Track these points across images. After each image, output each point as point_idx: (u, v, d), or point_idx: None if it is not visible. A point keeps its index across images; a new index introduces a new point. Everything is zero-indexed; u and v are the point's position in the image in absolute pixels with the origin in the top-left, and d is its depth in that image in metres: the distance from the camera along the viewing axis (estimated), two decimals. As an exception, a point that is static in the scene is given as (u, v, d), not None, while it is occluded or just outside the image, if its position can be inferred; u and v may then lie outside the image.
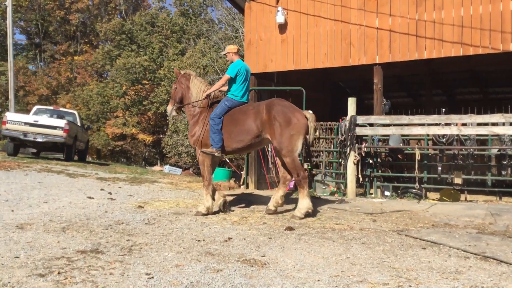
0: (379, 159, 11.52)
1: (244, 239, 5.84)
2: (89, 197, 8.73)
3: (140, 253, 4.94)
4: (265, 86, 13.99)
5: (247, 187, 12.97)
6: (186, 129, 27.57)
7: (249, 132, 7.67)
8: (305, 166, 12.51)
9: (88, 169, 14.60)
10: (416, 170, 10.52)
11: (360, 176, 10.99)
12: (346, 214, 7.97)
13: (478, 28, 10.63)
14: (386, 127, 11.04)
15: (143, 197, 9.48)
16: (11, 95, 24.07)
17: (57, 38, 45.75)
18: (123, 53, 39.59)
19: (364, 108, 14.64)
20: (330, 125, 12.43)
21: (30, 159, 15.89)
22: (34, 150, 19.14)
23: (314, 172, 12.57)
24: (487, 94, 19.50)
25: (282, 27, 12.93)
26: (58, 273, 4.14)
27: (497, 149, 10.50)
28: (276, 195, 7.99)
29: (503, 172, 10.51)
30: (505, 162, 10.40)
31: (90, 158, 29.66)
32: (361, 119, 11.04)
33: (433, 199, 10.75)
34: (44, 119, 16.26)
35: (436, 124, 10.51)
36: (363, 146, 11.13)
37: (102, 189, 10.06)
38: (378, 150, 11.48)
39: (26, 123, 15.76)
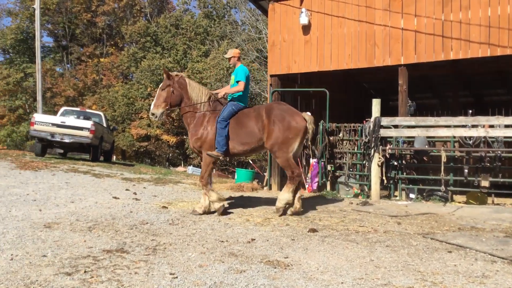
0: (404, 161, 11.38)
1: (267, 240, 5.84)
2: (115, 197, 8.86)
3: (164, 253, 4.98)
4: (288, 87, 13.99)
5: (270, 188, 12.98)
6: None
7: (252, 136, 7.83)
8: (329, 167, 12.46)
9: (114, 170, 14.80)
10: (442, 173, 10.36)
11: (384, 178, 10.88)
12: (370, 217, 7.91)
13: (506, 28, 10.43)
14: (411, 128, 10.91)
15: (167, 198, 9.57)
16: (39, 97, 24.56)
17: (84, 40, 46.54)
18: (148, 55, 40.06)
19: (389, 110, 14.47)
20: (353, 126, 12.34)
21: (57, 160, 16.19)
22: (61, 151, 19.49)
23: (337, 174, 12.50)
24: (515, 96, 19.10)
25: (306, 28, 12.91)
26: (84, 272, 4.21)
27: (526, 152, 10.26)
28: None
29: (532, 175, 10.27)
30: (534, 165, 10.16)
31: (115, 158, 30.06)
32: (385, 121, 10.93)
33: (459, 202, 10.57)
34: (71, 120, 16.54)
35: (463, 126, 10.34)
36: (387, 147, 11.02)
37: (127, 189, 10.19)
38: (403, 152, 11.34)
39: (53, 124, 16.05)
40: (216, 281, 4.08)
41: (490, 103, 17.64)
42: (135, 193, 9.68)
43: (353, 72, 15.01)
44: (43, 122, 16.11)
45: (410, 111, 12.15)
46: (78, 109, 20.51)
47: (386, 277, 4.33)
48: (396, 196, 11.10)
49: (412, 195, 10.93)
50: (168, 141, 39.03)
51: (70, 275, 4.10)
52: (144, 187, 11.00)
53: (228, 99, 8.20)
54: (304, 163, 13.61)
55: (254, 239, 5.86)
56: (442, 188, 10.47)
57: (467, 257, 5.15)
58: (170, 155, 41.45)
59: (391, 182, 11.21)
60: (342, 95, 17.62)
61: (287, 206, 7.87)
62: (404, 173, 11.30)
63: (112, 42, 47.59)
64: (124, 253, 4.91)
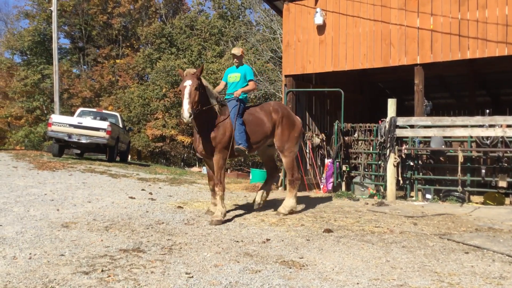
0: (420, 161, 11.29)
1: (282, 240, 5.85)
2: (131, 197, 8.93)
3: (180, 253, 5.02)
4: (303, 87, 13.96)
5: (285, 188, 12.95)
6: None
7: (264, 132, 7.90)
8: (344, 168, 12.41)
9: (130, 170, 14.93)
10: (459, 173, 10.26)
11: (400, 178, 10.81)
12: (386, 217, 7.86)
13: (525, 27, 10.28)
14: (427, 128, 10.82)
15: (182, 198, 9.62)
16: (56, 98, 24.83)
17: (100, 42, 46.93)
18: (163, 56, 40.27)
19: (404, 109, 14.35)
20: (369, 126, 12.27)
21: (74, 160, 16.37)
22: (78, 151, 19.69)
23: (352, 174, 12.45)
24: (533, 95, 18.82)
25: (321, 28, 12.87)
26: (102, 271, 4.26)
27: (544, 152, 10.11)
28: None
29: (551, 176, 10.11)
30: (553, 165, 10.00)
31: (131, 159, 30.29)
32: (401, 121, 10.86)
33: (477, 203, 10.45)
34: (88, 121, 16.71)
35: (480, 126, 10.23)
36: (403, 148, 10.94)
37: (143, 190, 10.27)
38: (419, 152, 11.25)
39: (70, 125, 16.23)
40: (232, 281, 4.10)
41: (507, 103, 17.39)
42: (150, 193, 9.75)
43: (368, 72, 14.92)
44: (60, 123, 16.30)
45: (426, 111, 12.04)
46: (94, 110, 20.71)
47: (402, 278, 4.30)
48: (412, 197, 11.02)
49: (428, 196, 10.83)
50: (183, 142, 39.18)
51: (87, 274, 4.16)
52: (160, 187, 11.08)
53: (227, 98, 7.94)
54: (319, 163, 13.60)
55: (269, 239, 5.87)
56: (459, 188, 10.37)
57: (485, 258, 5.10)
58: (185, 155, 41.59)
59: (407, 182, 11.13)
60: (357, 95, 17.53)
61: (291, 211, 8.00)
62: (420, 174, 11.20)
63: (127, 44, 47.90)
64: (141, 253, 4.96)
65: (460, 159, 10.21)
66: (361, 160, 12.24)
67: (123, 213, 7.25)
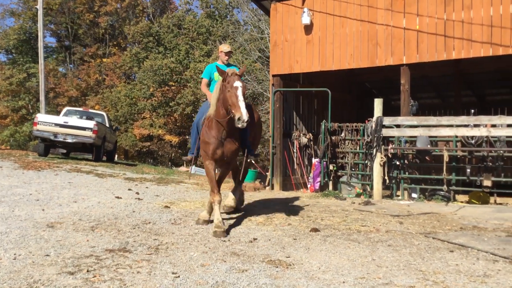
0: (406, 161, 11.38)
1: (269, 240, 5.86)
2: (117, 197, 8.88)
3: (167, 253, 5.00)
4: (291, 87, 14.00)
5: (272, 188, 12.99)
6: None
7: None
8: (331, 167, 12.47)
9: (116, 170, 14.84)
10: (445, 172, 10.36)
11: (386, 177, 10.89)
12: (372, 216, 7.91)
13: (509, 28, 10.42)
14: (413, 128, 10.91)
15: (169, 197, 9.59)
16: (41, 97, 24.62)
17: (86, 40, 46.61)
18: (150, 55, 40.11)
19: (391, 109, 14.46)
20: (356, 126, 12.34)
21: (60, 160, 16.23)
22: (64, 151, 19.54)
23: (339, 173, 12.51)
24: (518, 95, 19.04)
25: (308, 28, 12.92)
26: (87, 271, 4.23)
27: (528, 151, 10.25)
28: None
29: (535, 175, 10.26)
30: (536, 164, 10.15)
31: (118, 158, 30.13)
32: (387, 120, 10.94)
33: (462, 202, 10.56)
34: (74, 120, 16.58)
35: (465, 126, 10.34)
36: (389, 147, 11.02)
37: (129, 189, 10.22)
38: (405, 152, 11.34)
39: (56, 124, 16.09)
40: (218, 280, 4.09)
41: (492, 103, 17.60)
42: (137, 193, 9.71)
43: (356, 72, 15.02)
44: (46, 122, 16.16)
45: (412, 110, 12.14)
46: (81, 109, 20.57)
47: (388, 276, 4.34)
48: (398, 196, 11.10)
49: (414, 195, 10.93)
50: (171, 141, 39.08)
51: (72, 274, 4.13)
52: (147, 187, 11.03)
53: (205, 100, 7.57)
54: (306, 163, 13.64)
55: (256, 239, 5.88)
56: (445, 187, 10.48)
57: (469, 257, 5.16)
58: (173, 155, 41.47)
59: (393, 181, 11.21)
60: (344, 95, 17.62)
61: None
62: (406, 173, 11.30)
63: (114, 42, 47.63)
64: (127, 253, 4.94)
65: (446, 159, 10.31)
66: (348, 160, 12.31)
67: (109, 213, 7.21)
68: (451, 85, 17.65)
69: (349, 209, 8.71)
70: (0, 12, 47.47)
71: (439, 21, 11.20)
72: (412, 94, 12.41)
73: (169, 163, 39.75)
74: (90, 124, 16.28)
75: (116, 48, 47.03)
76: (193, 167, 28.10)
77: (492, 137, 10.19)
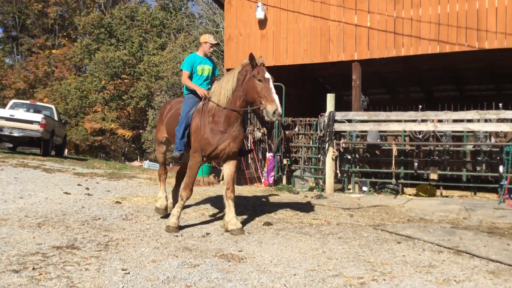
0: (357, 155, 11.64)
1: (222, 234, 5.86)
2: (66, 193, 8.63)
3: (117, 249, 4.91)
4: (245, 81, 13.96)
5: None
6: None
7: None
8: (284, 161, 12.58)
9: (65, 164, 14.42)
10: (393, 166, 10.67)
11: (338, 171, 11.09)
12: (324, 209, 8.05)
13: (455, 26, 10.79)
14: (364, 123, 11.15)
15: (121, 193, 9.41)
16: (-14, 89, 23.59)
17: (35, 31, 44.95)
18: (102, 47, 39.14)
19: (343, 104, 14.73)
20: (309, 121, 12.50)
21: (6, 154, 15.62)
22: (11, 145, 18.83)
23: (293, 167, 12.64)
24: (463, 91, 19.78)
25: (262, 23, 12.94)
26: (33, 269, 4.10)
27: (472, 145, 10.69)
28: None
29: (478, 168, 10.71)
30: (479, 158, 10.60)
31: (68, 153, 29.29)
32: (339, 115, 11.13)
33: (410, 195, 10.91)
34: (21, 114, 16.00)
35: (413, 121, 10.66)
36: (341, 142, 11.23)
37: (79, 185, 9.95)
38: (356, 146, 11.59)
39: (2, 118, 15.48)
40: (169, 276, 4.06)
41: (440, 99, 18.23)
42: (87, 188, 9.47)
43: (310, 67, 15.19)
44: (-10, 115, 15.52)
45: (363, 106, 12.41)
46: (28, 102, 19.85)
47: (338, 268, 4.42)
48: (349, 189, 11.34)
49: (365, 188, 11.19)
50: (124, 135, 38.37)
51: (17, 273, 3.98)
52: (97, 182, 10.77)
53: (187, 93, 6.94)
54: (261, 157, 13.70)
55: (209, 233, 5.87)
56: (393, 181, 10.79)
57: (415, 248, 5.33)
58: (126, 149, 40.75)
59: (344, 175, 11.44)
60: (299, 90, 17.75)
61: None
62: (357, 167, 11.55)
63: (64, 33, 46.19)
64: (75, 250, 4.81)
65: (394, 153, 10.61)
66: (301, 154, 12.46)
67: (57, 209, 7.00)
68: (400, 81, 18.14)
69: (301, 203, 8.82)
70: None
71: (389, 19, 11.47)
72: (363, 90, 12.67)
73: (122, 157, 39.03)
74: (38, 117, 15.74)
75: (66, 39, 45.64)
76: (147, 161, 27.70)
77: (438, 132, 10.56)
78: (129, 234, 5.63)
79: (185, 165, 6.98)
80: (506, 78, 16.30)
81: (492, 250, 5.13)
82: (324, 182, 11.27)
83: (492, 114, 9.84)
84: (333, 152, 10.94)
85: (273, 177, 12.43)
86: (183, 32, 34.03)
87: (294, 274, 4.21)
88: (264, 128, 13.98)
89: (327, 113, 11.16)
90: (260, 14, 12.73)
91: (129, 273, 4.10)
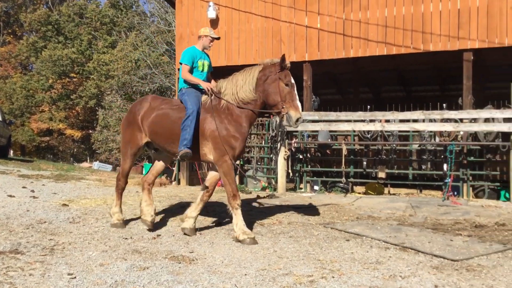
0: (308, 155, 11.81)
1: (173, 235, 5.80)
2: (10, 195, 8.31)
3: (63, 253, 4.77)
4: (197, 81, 13.88)
5: (178, 183, 12.86)
6: (117, 124, 26.81)
7: None
8: (237, 161, 12.58)
9: (10, 166, 13.88)
10: (343, 165, 10.88)
11: (290, 171, 11.21)
12: (276, 209, 8.11)
13: (401, 28, 11.14)
14: (315, 123, 11.31)
15: (68, 195, 9.14)
16: None
17: (-23, 27, 43.07)
18: (49, 44, 37.91)
19: (295, 105, 14.87)
20: (261, 121, 12.56)
21: None
22: (-50, 147, 17.93)
23: (245, 167, 12.67)
24: (410, 92, 20.40)
25: (214, 23, 12.91)
26: (-28, 276, 3.93)
27: (417, 145, 11.06)
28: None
29: (423, 166, 11.09)
30: (425, 157, 10.98)
31: (13, 154, 28.18)
32: (291, 115, 11.22)
33: (359, 193, 11.16)
34: (-39, 113, 15.28)
35: (362, 121, 10.91)
36: (293, 141, 11.35)
37: (24, 187, 9.60)
38: (308, 146, 11.75)
39: None
40: (118, 280, 3.98)
41: (388, 100, 18.70)
42: (32, 191, 9.14)
43: (261, 67, 15.20)
44: None
45: (314, 106, 12.60)
46: (-31, 101, 18.99)
47: (288, 267, 4.47)
48: (301, 189, 11.48)
49: (316, 187, 11.36)
50: (73, 136, 37.32)
51: (-45, 281, 3.81)
52: (43, 184, 10.43)
53: (187, 87, 6.50)
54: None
55: (160, 235, 5.80)
56: (343, 179, 11.01)
57: (363, 245, 5.46)
58: (75, 150, 39.66)
59: (296, 175, 11.57)
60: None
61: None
62: (309, 166, 11.72)
63: (9, 30, 44.46)
64: (18, 254, 4.64)
65: (344, 152, 10.83)
66: (253, 154, 12.50)
67: (0, 213, 6.73)
68: (350, 82, 18.48)
69: (254, 203, 8.85)
70: None
71: (339, 20, 11.70)
72: (314, 90, 12.86)
73: (71, 159, 37.96)
74: (-20, 117, 15.08)
75: (11, 36, 43.95)
76: (97, 163, 27.07)
77: (386, 131, 10.86)
78: (76, 238, 5.49)
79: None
80: (450, 79, 16.93)
81: (436, 246, 5.32)
82: (276, 182, 11.35)
83: (436, 114, 10.21)
84: (285, 151, 11.05)
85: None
86: (134, 30, 33.44)
87: (245, 274, 4.22)
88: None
89: (279, 113, 11.24)
90: (212, 14, 12.69)
91: (75, 277, 4.00)
